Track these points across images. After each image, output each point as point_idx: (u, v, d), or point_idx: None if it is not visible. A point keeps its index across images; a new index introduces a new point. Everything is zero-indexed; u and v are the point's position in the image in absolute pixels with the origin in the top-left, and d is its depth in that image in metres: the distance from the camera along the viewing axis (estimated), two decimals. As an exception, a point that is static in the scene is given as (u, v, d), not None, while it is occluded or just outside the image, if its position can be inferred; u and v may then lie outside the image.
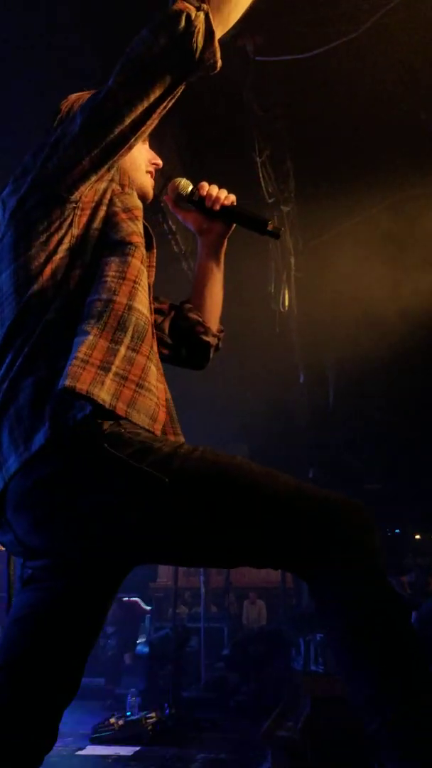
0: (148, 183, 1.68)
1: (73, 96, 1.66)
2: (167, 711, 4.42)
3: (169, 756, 3.90)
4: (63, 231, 1.42)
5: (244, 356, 6.55)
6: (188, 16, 1.33)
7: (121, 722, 4.25)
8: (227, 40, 3.45)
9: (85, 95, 1.65)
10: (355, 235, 5.11)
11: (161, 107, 1.42)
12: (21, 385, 1.33)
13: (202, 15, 1.34)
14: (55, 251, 1.40)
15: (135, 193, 1.55)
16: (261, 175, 4.20)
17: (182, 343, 1.75)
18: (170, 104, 1.43)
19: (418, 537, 10.90)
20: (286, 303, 4.89)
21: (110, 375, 1.28)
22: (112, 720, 4.26)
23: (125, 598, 8.20)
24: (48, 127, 1.63)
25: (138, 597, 8.52)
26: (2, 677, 1.40)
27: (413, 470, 9.06)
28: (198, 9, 1.34)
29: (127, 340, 1.34)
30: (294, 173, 4.46)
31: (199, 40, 1.34)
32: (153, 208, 1.65)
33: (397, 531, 10.92)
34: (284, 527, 1.27)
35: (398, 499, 9.59)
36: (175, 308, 1.77)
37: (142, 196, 1.65)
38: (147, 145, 1.72)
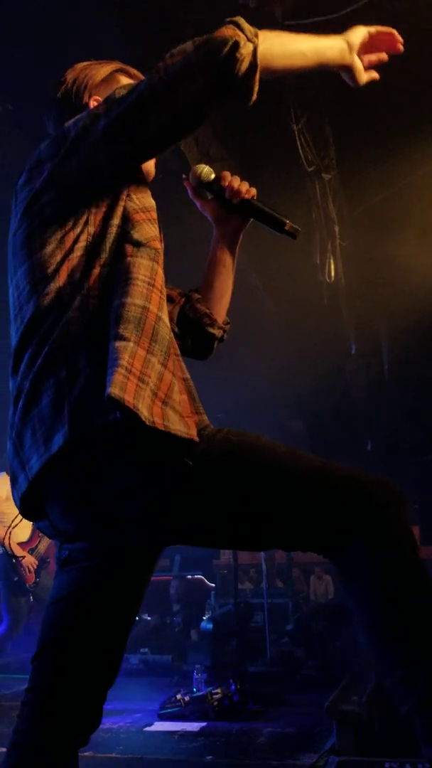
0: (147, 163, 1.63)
1: (80, 66, 1.63)
2: (233, 686, 4.45)
3: (235, 731, 3.94)
4: (79, 229, 1.40)
5: (295, 331, 6.48)
6: (236, 43, 1.31)
7: (187, 698, 4.31)
8: (254, 6, 3.38)
9: (93, 68, 1.62)
10: (401, 201, 4.96)
11: (189, 126, 1.43)
12: (43, 386, 1.33)
13: (250, 47, 1.32)
14: (71, 250, 1.39)
15: (148, 190, 1.51)
16: (299, 144, 4.10)
17: (188, 333, 1.74)
18: (199, 124, 1.42)
19: None
20: (332, 273, 4.80)
21: (148, 389, 1.26)
22: (179, 696, 4.32)
23: (189, 576, 8.30)
24: (52, 95, 1.61)
25: (202, 574, 8.62)
26: (44, 657, 1.44)
27: None
28: (248, 40, 1.32)
29: (158, 354, 1.32)
30: (333, 140, 4.34)
31: (242, 69, 1.32)
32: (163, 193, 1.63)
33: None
34: (310, 507, 1.26)
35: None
36: (185, 297, 1.75)
37: (147, 173, 1.61)
38: None
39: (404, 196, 4.85)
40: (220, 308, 1.77)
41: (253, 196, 1.66)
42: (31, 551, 5.24)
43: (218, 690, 4.36)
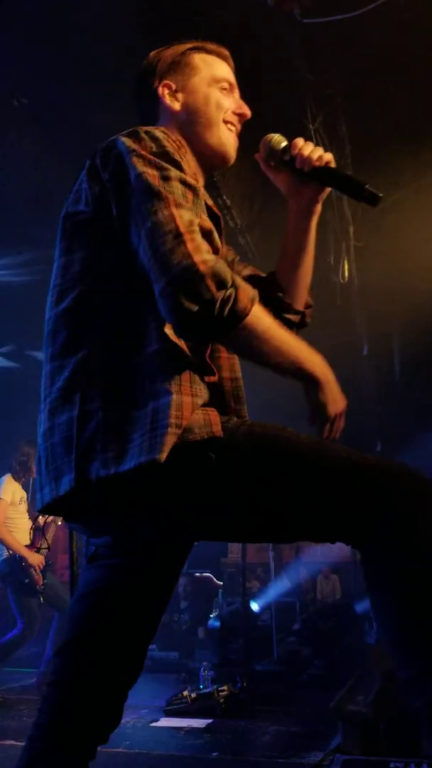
0: (226, 139, 1.57)
1: (152, 55, 1.61)
2: (239, 684, 4.46)
3: (240, 728, 3.95)
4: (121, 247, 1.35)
5: (307, 331, 6.46)
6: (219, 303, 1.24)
7: (194, 695, 4.32)
8: (273, 5, 3.37)
9: (168, 49, 1.60)
10: (417, 201, 4.94)
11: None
12: (56, 420, 1.33)
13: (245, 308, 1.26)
14: (106, 260, 1.37)
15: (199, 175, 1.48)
16: (315, 142, 4.09)
17: None
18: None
19: None
20: (346, 274, 4.79)
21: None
22: (185, 693, 4.33)
23: (197, 574, 8.31)
24: (135, 90, 1.62)
25: (210, 572, 8.62)
26: (68, 652, 1.43)
27: None
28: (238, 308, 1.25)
29: (200, 393, 1.33)
30: (349, 139, 4.32)
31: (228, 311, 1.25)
32: (206, 183, 1.60)
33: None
34: (336, 496, 1.24)
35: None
36: (260, 281, 1.67)
37: (218, 157, 1.57)
38: (234, 93, 1.59)
39: (420, 197, 4.83)
40: (298, 291, 1.67)
41: (327, 162, 1.54)
42: (36, 552, 5.26)
43: (225, 687, 4.37)
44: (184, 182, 1.33)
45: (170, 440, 1.21)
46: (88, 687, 1.40)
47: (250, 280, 1.66)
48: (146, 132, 1.39)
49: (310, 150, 1.54)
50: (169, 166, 1.33)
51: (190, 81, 1.57)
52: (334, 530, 1.28)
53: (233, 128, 1.58)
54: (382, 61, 3.73)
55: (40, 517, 5.51)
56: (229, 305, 1.23)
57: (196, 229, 1.27)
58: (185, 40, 1.63)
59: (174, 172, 1.33)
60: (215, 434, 1.25)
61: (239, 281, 1.27)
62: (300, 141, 1.56)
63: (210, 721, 4.05)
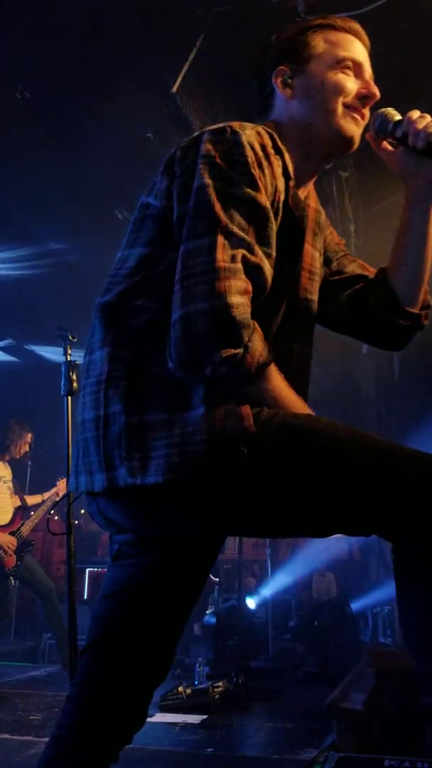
0: (345, 127, 1.43)
1: (272, 39, 1.50)
2: (234, 680, 4.46)
3: (235, 724, 3.96)
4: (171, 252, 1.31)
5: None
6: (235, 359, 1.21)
7: (189, 691, 4.32)
8: (277, 2, 3.36)
9: (286, 31, 1.48)
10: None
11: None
12: (86, 415, 1.32)
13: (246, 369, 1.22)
14: (164, 262, 1.33)
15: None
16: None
17: (367, 321, 1.56)
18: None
19: None
20: (347, 272, 4.78)
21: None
22: (181, 689, 4.34)
23: (193, 570, 8.31)
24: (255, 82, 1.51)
25: (210, 570, 8.62)
26: (93, 652, 1.40)
27: None
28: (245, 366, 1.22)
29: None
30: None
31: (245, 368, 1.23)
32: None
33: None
34: (374, 488, 1.20)
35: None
36: (363, 280, 1.57)
37: (337, 146, 1.45)
38: (363, 73, 1.45)
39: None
40: (414, 290, 1.52)
41: None
42: (13, 534, 5.24)
43: (220, 683, 4.37)
44: (251, 203, 1.26)
45: (206, 459, 1.19)
46: (114, 688, 1.38)
47: (355, 279, 1.58)
48: (233, 132, 1.31)
49: (424, 123, 1.37)
50: (239, 182, 1.26)
51: (308, 65, 1.44)
52: (371, 523, 1.24)
53: (356, 113, 1.44)
54: (385, 60, 3.72)
55: (27, 497, 5.52)
56: (230, 366, 1.19)
57: (238, 265, 1.20)
58: (312, 18, 1.49)
59: (243, 191, 1.26)
60: (247, 429, 1.22)
61: (255, 340, 1.21)
62: (414, 113, 1.40)
63: (205, 716, 4.05)
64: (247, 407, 1.24)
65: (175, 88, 3.76)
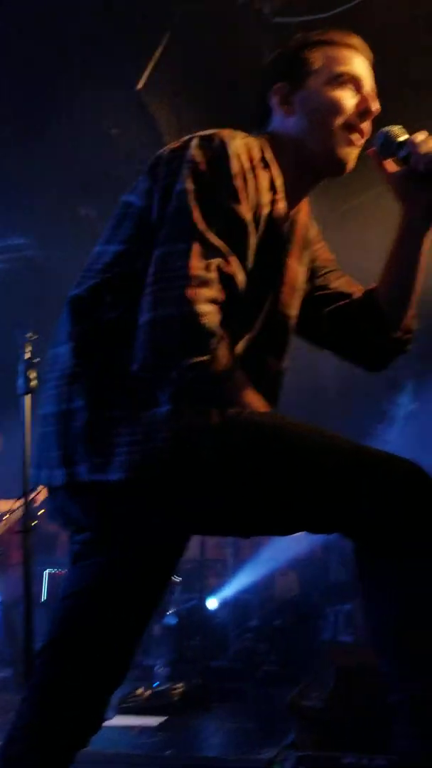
0: (339, 148, 1.42)
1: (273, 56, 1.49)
2: (194, 681, 4.45)
3: (195, 726, 3.95)
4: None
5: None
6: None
7: (148, 693, 4.29)
8: (244, 1, 3.37)
9: (286, 48, 1.48)
10: (384, 202, 4.98)
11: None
12: (48, 409, 1.31)
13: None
14: (141, 259, 1.32)
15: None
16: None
17: (351, 340, 1.57)
18: None
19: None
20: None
21: None
22: (139, 691, 4.31)
23: (155, 570, 8.27)
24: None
25: (175, 570, 8.59)
26: (50, 653, 1.39)
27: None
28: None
29: None
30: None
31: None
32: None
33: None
34: (339, 487, 1.21)
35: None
36: (348, 299, 1.57)
37: (331, 167, 1.45)
38: (362, 89, 1.43)
39: (387, 198, 4.88)
40: (399, 314, 1.53)
41: None
42: None
43: (179, 685, 4.36)
44: (231, 214, 1.26)
45: (169, 457, 1.18)
46: (70, 690, 1.36)
47: (340, 296, 1.58)
48: (222, 141, 1.30)
49: (428, 147, 1.37)
50: (221, 192, 1.26)
51: (307, 81, 1.44)
52: (334, 522, 1.26)
53: (355, 132, 1.43)
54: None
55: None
56: (196, 373, 1.19)
57: (212, 274, 1.20)
58: (311, 33, 1.48)
59: (224, 201, 1.26)
60: (212, 427, 1.21)
61: (222, 349, 1.21)
62: (419, 135, 1.39)
63: (164, 718, 4.03)
64: (212, 407, 1.24)
65: (140, 86, 3.74)
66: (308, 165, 1.47)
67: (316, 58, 1.44)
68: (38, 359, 3.37)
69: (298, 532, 1.32)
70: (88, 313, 1.31)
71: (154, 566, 1.44)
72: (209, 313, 1.18)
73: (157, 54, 3.66)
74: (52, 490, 1.32)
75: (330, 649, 3.93)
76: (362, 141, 1.46)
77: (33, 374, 3.39)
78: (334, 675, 3.46)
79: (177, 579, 8.71)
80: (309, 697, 3.38)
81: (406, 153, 1.38)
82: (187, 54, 3.72)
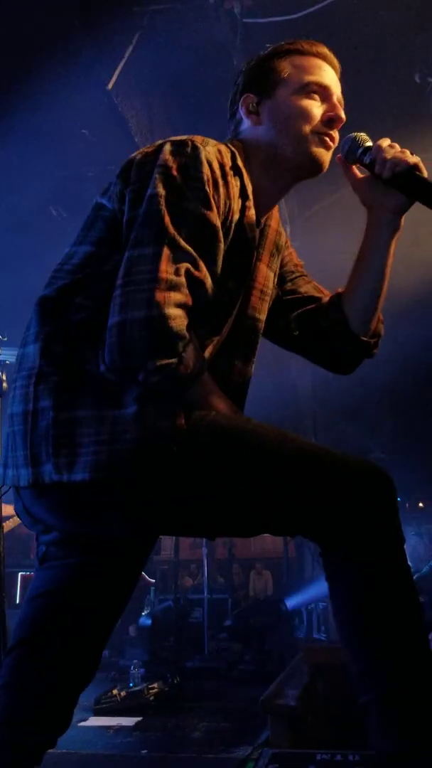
0: (313, 152, 1.43)
1: (243, 67, 1.49)
2: (170, 681, 4.45)
3: (170, 725, 3.94)
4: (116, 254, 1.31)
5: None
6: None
7: (123, 693, 4.28)
8: (215, 1, 3.38)
9: (257, 58, 1.48)
10: (352, 203, 5.03)
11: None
12: (15, 409, 1.30)
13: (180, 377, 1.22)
14: (110, 261, 1.32)
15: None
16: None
17: (318, 344, 1.58)
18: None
19: (421, 505, 10.93)
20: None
21: None
22: (115, 691, 4.29)
23: (129, 571, 8.26)
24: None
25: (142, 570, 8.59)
26: (17, 654, 1.38)
27: (418, 439, 9.05)
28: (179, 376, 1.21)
29: None
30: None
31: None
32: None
33: (399, 499, 10.94)
34: (300, 490, 1.22)
35: (403, 468, 9.60)
36: (318, 302, 1.57)
37: (304, 171, 1.45)
38: (330, 97, 1.45)
39: (354, 200, 4.92)
40: (365, 318, 1.52)
41: (410, 167, 1.36)
42: None
43: (155, 685, 4.35)
44: (200, 220, 1.26)
45: (135, 458, 1.18)
46: (38, 689, 1.36)
47: (308, 300, 1.58)
48: (194, 147, 1.31)
49: (392, 153, 1.38)
50: (192, 198, 1.26)
51: (275, 91, 1.45)
52: (297, 524, 1.27)
53: (326, 138, 1.44)
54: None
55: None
56: (163, 375, 1.19)
57: (181, 279, 1.21)
58: (279, 43, 1.48)
59: (194, 207, 1.26)
60: (178, 428, 1.22)
61: (189, 351, 1.21)
62: (384, 141, 1.41)
63: (139, 719, 4.02)
64: (178, 408, 1.25)
65: (110, 85, 3.73)
66: (281, 171, 1.47)
67: (285, 68, 1.46)
68: (9, 361, 3.35)
69: (261, 533, 1.33)
70: (56, 313, 1.30)
71: (121, 567, 1.44)
72: (178, 317, 1.18)
73: (128, 53, 3.65)
74: (18, 490, 1.32)
75: (304, 648, 3.95)
76: (333, 144, 1.47)
77: (4, 376, 3.37)
78: (308, 673, 3.49)
79: (151, 580, 8.72)
80: (283, 695, 3.40)
81: (370, 159, 1.39)
82: (157, 54, 3.72)
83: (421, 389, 7.89)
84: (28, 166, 4.55)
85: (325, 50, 1.50)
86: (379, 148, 1.40)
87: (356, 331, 1.53)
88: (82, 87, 3.86)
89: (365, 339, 1.55)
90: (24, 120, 4.15)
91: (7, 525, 5.16)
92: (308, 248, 5.43)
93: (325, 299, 1.60)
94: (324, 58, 1.49)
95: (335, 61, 1.51)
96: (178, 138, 1.34)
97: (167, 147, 1.31)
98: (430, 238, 4.93)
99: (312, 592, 6.22)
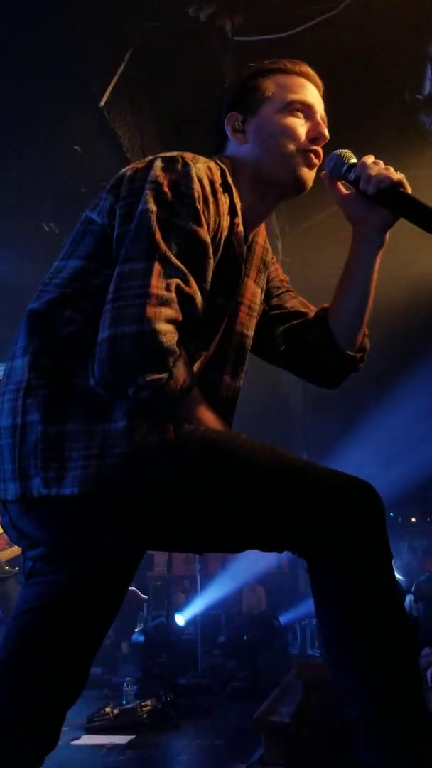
0: (298, 171, 1.44)
1: (227, 85, 1.52)
2: (163, 698, 4.41)
3: (164, 743, 3.91)
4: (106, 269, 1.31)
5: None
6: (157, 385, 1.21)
7: (116, 711, 4.24)
8: (206, 20, 3.42)
9: (240, 75, 1.50)
10: (342, 220, 5.06)
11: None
12: (3, 423, 1.29)
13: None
14: (99, 275, 1.32)
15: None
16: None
17: (304, 358, 1.58)
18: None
19: (414, 520, 10.93)
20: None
21: None
22: (108, 709, 4.25)
23: (122, 588, 8.21)
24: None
25: (135, 586, 8.53)
26: (3, 670, 1.35)
27: (408, 454, 9.06)
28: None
29: None
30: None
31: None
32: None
33: (392, 514, 10.93)
34: (287, 506, 1.22)
35: (394, 482, 9.60)
36: (303, 317, 1.58)
37: (289, 189, 1.46)
38: (313, 115, 1.46)
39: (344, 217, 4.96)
40: (351, 333, 1.53)
41: (395, 184, 1.37)
42: None
43: (148, 702, 4.31)
44: (191, 236, 1.27)
45: (125, 472, 1.18)
46: (24, 707, 1.34)
47: (294, 315, 1.59)
48: (185, 164, 1.32)
49: (376, 169, 1.39)
50: (183, 214, 1.27)
51: (259, 109, 1.46)
52: (284, 540, 1.26)
53: (311, 155, 1.45)
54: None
55: None
56: (152, 390, 1.19)
57: (172, 294, 1.21)
58: (263, 62, 1.50)
59: (185, 223, 1.26)
60: (167, 441, 1.22)
61: (180, 367, 1.22)
62: (368, 159, 1.42)
63: (133, 736, 3.98)
64: (168, 422, 1.24)
65: (103, 102, 3.76)
66: (266, 188, 1.48)
67: (268, 87, 1.47)
68: None
69: (249, 549, 1.33)
70: (45, 327, 1.30)
71: (109, 583, 1.43)
72: (168, 332, 1.19)
73: (120, 70, 3.68)
74: (5, 504, 1.31)
75: (298, 664, 3.93)
76: (318, 161, 1.48)
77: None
78: (302, 689, 3.46)
79: (144, 597, 8.66)
80: (277, 712, 3.38)
81: (355, 176, 1.41)
82: (149, 71, 3.75)
83: (414, 405, 7.91)
84: (21, 183, 4.57)
85: (307, 69, 1.52)
86: (364, 165, 1.41)
87: (342, 346, 1.54)
88: (75, 104, 3.88)
89: (351, 353, 1.56)
90: (17, 138, 4.17)
91: None
92: (299, 264, 5.46)
93: (311, 314, 1.61)
94: (307, 77, 1.51)
95: (318, 80, 1.53)
96: (169, 154, 1.35)
97: (158, 163, 1.32)
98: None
99: (305, 608, 6.20)
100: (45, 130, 4.13)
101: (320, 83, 1.53)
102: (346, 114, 4.06)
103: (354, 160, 1.42)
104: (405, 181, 1.39)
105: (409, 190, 1.38)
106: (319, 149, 1.47)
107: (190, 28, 3.54)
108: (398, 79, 3.95)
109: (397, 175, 1.38)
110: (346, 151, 1.45)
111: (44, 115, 3.98)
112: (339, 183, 1.49)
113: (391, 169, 1.39)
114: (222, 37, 3.50)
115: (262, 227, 1.59)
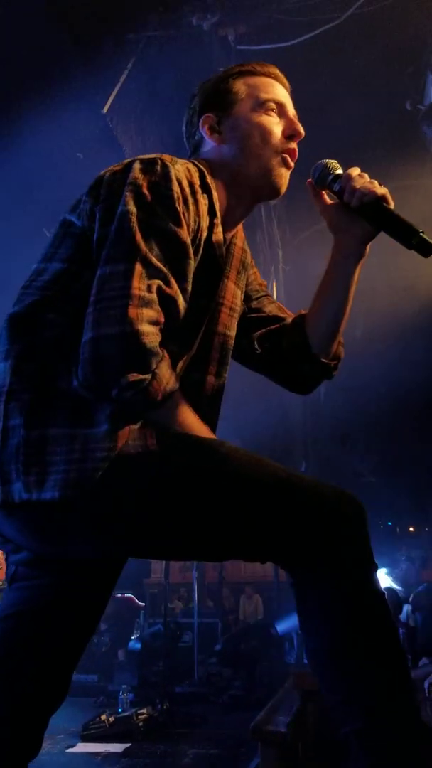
0: (273, 170, 1.45)
1: (198, 88, 1.52)
2: (159, 707, 4.39)
3: (159, 752, 3.89)
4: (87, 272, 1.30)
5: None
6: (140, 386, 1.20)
7: (112, 719, 4.23)
8: (209, 29, 3.44)
9: (215, 77, 1.51)
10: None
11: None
12: None
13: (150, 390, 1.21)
14: (81, 278, 1.31)
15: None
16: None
17: (280, 364, 1.58)
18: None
19: (412, 530, 10.92)
20: (274, 296, 4.87)
21: None
22: (103, 717, 4.24)
23: (119, 595, 8.19)
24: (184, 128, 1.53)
25: (132, 593, 8.51)
26: None
27: (408, 463, 9.06)
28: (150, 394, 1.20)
29: None
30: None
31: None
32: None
33: (389, 523, 10.92)
34: (271, 519, 1.21)
35: (392, 492, 9.59)
36: (281, 323, 1.58)
37: (265, 190, 1.47)
38: (286, 113, 1.47)
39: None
40: (326, 341, 1.54)
41: (378, 198, 1.37)
42: None
43: (144, 710, 4.30)
44: (171, 237, 1.27)
45: (104, 477, 1.17)
46: (5, 714, 1.33)
47: (272, 320, 1.59)
48: (164, 165, 1.31)
49: (361, 182, 1.39)
50: (163, 215, 1.27)
51: (233, 110, 1.47)
52: (267, 550, 1.25)
53: (287, 156, 1.46)
54: (310, 90, 3.84)
55: None
56: (135, 391, 1.19)
57: (153, 295, 1.21)
58: (232, 66, 1.51)
59: (165, 224, 1.26)
60: (149, 447, 1.21)
61: (163, 368, 1.21)
62: (354, 171, 1.42)
63: (128, 745, 3.97)
64: (150, 427, 1.24)
65: (105, 110, 3.77)
66: (244, 189, 1.49)
67: (240, 88, 1.48)
68: None
69: (231, 558, 1.31)
70: (27, 331, 1.30)
71: (91, 588, 1.42)
72: (150, 333, 1.18)
73: (123, 78, 3.70)
74: None
75: (294, 673, 3.91)
76: (293, 160, 1.48)
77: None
78: (299, 699, 3.45)
79: (141, 604, 8.63)
80: (273, 721, 3.36)
81: (340, 187, 1.41)
82: (152, 78, 3.77)
83: (412, 414, 7.92)
84: (24, 190, 4.58)
85: (276, 70, 1.53)
86: (349, 177, 1.41)
87: (317, 353, 1.55)
88: (78, 111, 3.90)
89: (326, 361, 1.56)
90: (20, 144, 4.19)
91: None
92: (299, 272, 5.48)
93: (289, 320, 1.61)
94: (276, 78, 1.52)
95: (286, 81, 1.54)
96: (147, 156, 1.35)
97: (137, 165, 1.32)
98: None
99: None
100: (47, 137, 4.14)
101: (288, 85, 1.54)
102: (348, 124, 4.08)
103: (340, 171, 1.43)
104: (389, 196, 1.39)
105: (392, 205, 1.38)
106: (295, 148, 1.48)
107: (193, 37, 3.55)
108: (401, 89, 3.96)
109: (381, 190, 1.38)
110: (333, 161, 1.45)
111: (46, 123, 4.00)
112: (323, 192, 1.50)
113: (376, 182, 1.39)
114: (225, 46, 3.52)
115: (240, 229, 1.59)
